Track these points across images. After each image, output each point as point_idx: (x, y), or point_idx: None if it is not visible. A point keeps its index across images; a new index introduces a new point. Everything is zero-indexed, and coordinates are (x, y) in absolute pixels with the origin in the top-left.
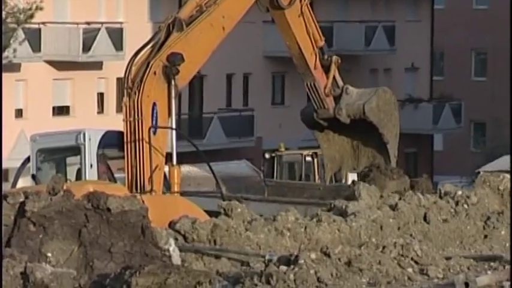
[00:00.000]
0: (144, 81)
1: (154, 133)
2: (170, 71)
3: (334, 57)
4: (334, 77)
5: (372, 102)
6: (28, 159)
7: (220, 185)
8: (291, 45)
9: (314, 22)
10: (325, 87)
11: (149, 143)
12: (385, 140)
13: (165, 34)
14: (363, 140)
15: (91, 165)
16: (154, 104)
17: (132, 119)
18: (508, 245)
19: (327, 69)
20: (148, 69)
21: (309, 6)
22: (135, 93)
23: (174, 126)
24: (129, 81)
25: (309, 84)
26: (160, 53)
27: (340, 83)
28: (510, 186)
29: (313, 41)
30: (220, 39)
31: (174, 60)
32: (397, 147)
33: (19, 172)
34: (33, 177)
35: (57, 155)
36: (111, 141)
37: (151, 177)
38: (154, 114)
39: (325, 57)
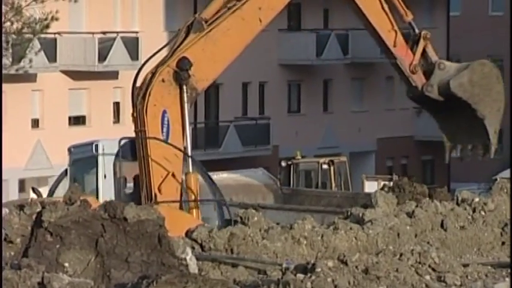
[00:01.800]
0: (149, 89)
1: (166, 141)
2: (179, 77)
3: (423, 32)
4: (425, 52)
5: (463, 77)
6: (66, 171)
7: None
8: (365, 25)
9: None
10: (410, 65)
11: (144, 153)
12: (480, 115)
13: (181, 38)
14: (462, 117)
15: (105, 176)
16: (164, 112)
17: (138, 129)
18: None
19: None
20: (154, 76)
21: None
22: (140, 103)
23: (187, 132)
24: (136, 90)
25: (393, 63)
26: (171, 58)
27: (434, 58)
28: (510, 187)
29: (391, 18)
30: (254, 34)
31: (182, 66)
32: (498, 123)
33: (57, 182)
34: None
35: (85, 166)
36: (127, 151)
37: (160, 186)
38: (165, 123)
39: (416, 31)
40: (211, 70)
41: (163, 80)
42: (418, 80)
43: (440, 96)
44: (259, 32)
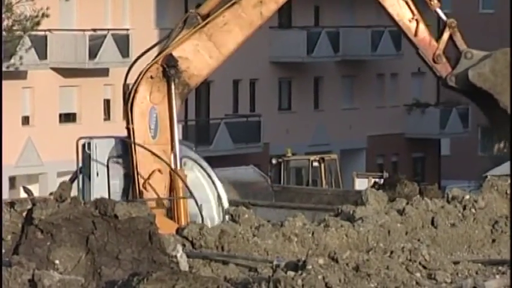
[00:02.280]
0: (137, 86)
1: (154, 137)
2: (167, 73)
3: (449, 20)
4: (452, 41)
5: (484, 67)
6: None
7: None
8: (387, 15)
9: None
10: (434, 54)
11: (133, 151)
12: (503, 106)
13: (176, 33)
14: (492, 109)
15: (97, 174)
16: (153, 108)
17: (127, 126)
18: None
19: (441, 34)
20: (142, 73)
21: None
22: (129, 100)
23: (175, 130)
24: (126, 87)
25: (417, 53)
26: (160, 55)
27: (462, 47)
28: (510, 188)
29: (412, 7)
30: (253, 28)
31: (168, 62)
32: None
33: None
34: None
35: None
36: (119, 149)
37: (145, 184)
38: (153, 120)
39: (444, 19)
40: (205, 65)
41: (151, 77)
42: (443, 69)
43: (465, 87)
44: (258, 27)
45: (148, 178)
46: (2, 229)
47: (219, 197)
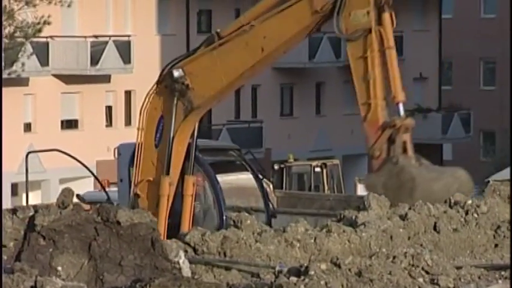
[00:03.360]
0: (153, 92)
1: (156, 146)
2: (171, 87)
3: (406, 121)
4: (392, 142)
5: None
6: None
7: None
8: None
9: (393, 74)
10: (370, 147)
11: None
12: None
13: (211, 37)
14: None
15: (121, 180)
16: (161, 118)
17: (137, 128)
18: None
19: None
20: (158, 81)
21: (392, 54)
22: (144, 102)
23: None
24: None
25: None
26: (174, 67)
27: (397, 150)
28: (510, 190)
29: (370, 91)
30: (255, 61)
31: (175, 76)
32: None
33: None
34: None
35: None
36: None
37: (136, 191)
38: (160, 129)
39: (400, 115)
40: (207, 88)
41: (166, 86)
42: (376, 165)
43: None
44: (265, 63)
45: (140, 185)
46: (1, 236)
47: (220, 203)
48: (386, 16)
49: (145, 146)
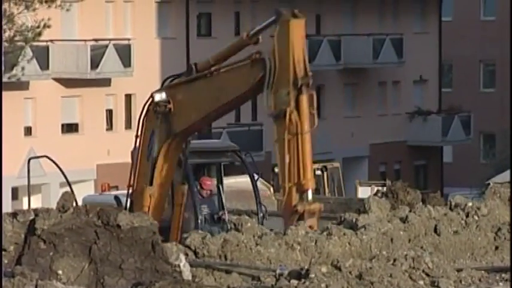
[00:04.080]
0: (149, 103)
1: (148, 159)
2: (155, 108)
3: (307, 207)
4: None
5: None
6: None
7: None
8: None
9: (304, 160)
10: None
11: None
12: None
13: (189, 68)
14: None
15: None
16: (153, 132)
17: (135, 135)
18: None
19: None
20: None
21: (304, 139)
22: (142, 111)
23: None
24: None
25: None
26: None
27: None
28: (510, 191)
29: (287, 175)
30: (214, 107)
31: (157, 98)
32: None
33: None
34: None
35: None
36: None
37: (126, 199)
38: (152, 142)
39: (308, 199)
40: (184, 118)
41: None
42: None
43: None
44: (224, 110)
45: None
46: (2, 239)
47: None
48: (303, 99)
49: (140, 156)
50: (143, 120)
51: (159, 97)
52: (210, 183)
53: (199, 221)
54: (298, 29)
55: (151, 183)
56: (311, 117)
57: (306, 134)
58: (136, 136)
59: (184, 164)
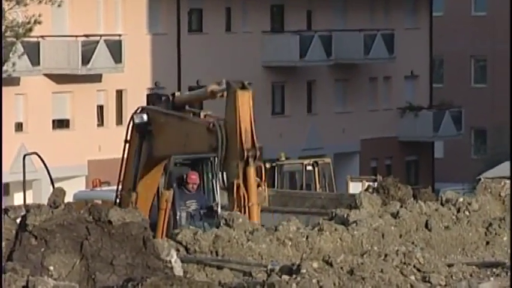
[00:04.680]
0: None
1: (133, 166)
2: (137, 128)
3: None
4: None
5: None
6: None
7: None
8: None
9: None
10: None
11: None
12: None
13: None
14: None
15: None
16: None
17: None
18: (510, 251)
19: None
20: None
21: (253, 211)
22: (131, 118)
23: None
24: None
25: None
26: (149, 106)
27: None
28: (511, 190)
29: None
30: (180, 151)
31: (139, 116)
32: None
33: None
34: None
35: None
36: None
37: (116, 194)
38: (137, 153)
39: None
40: (161, 146)
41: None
42: None
43: None
44: (189, 153)
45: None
46: (2, 234)
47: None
48: (250, 171)
49: (127, 161)
50: (131, 129)
51: (139, 119)
52: (195, 177)
53: (177, 217)
54: (245, 100)
55: (134, 189)
56: (259, 190)
57: (252, 206)
58: (125, 141)
59: (169, 172)
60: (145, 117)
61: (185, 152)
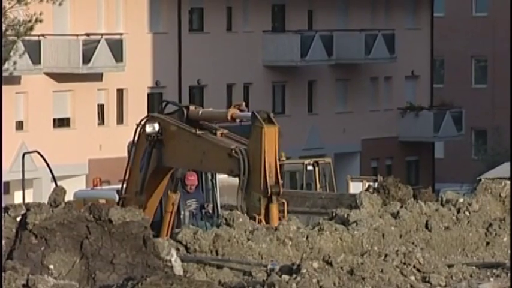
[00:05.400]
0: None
1: (141, 170)
2: (148, 137)
3: None
4: None
5: None
6: None
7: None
8: None
9: None
10: None
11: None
12: None
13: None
14: None
15: None
16: (146, 150)
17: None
18: (510, 251)
19: None
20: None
21: None
22: (140, 123)
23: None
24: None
25: None
26: (160, 115)
27: None
28: (510, 191)
29: None
30: (199, 167)
31: (152, 125)
32: None
33: None
34: None
35: None
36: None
37: (119, 194)
38: (145, 156)
39: None
40: (172, 158)
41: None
42: None
43: None
44: (202, 169)
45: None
46: (2, 233)
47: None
48: (273, 209)
49: (133, 165)
50: (139, 133)
51: (151, 129)
52: (194, 178)
53: (181, 217)
54: (271, 136)
55: (141, 193)
56: None
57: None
58: (133, 143)
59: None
60: (157, 126)
61: (201, 169)
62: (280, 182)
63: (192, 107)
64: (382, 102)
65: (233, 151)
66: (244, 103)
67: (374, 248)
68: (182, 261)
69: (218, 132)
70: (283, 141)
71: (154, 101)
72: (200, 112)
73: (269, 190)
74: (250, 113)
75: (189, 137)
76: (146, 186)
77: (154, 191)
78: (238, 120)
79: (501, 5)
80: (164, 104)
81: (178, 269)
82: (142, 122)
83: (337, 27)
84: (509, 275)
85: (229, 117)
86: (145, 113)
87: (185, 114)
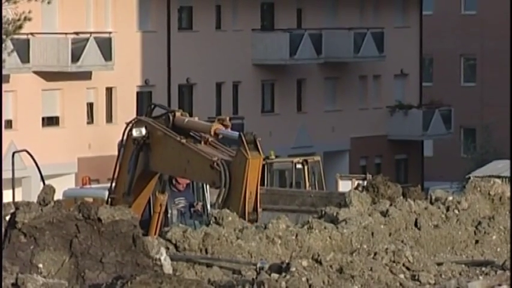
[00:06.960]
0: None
1: (128, 171)
2: (134, 140)
3: None
4: None
5: None
6: None
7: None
8: None
9: None
10: None
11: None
12: None
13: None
14: None
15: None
16: (133, 153)
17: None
18: (499, 249)
19: None
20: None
21: None
22: (129, 123)
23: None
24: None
25: None
26: (148, 118)
27: None
28: (510, 189)
29: None
30: (184, 175)
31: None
32: None
33: None
34: None
35: None
36: None
37: (108, 193)
38: (132, 160)
39: None
40: (158, 164)
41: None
42: None
43: None
44: (183, 173)
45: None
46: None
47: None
48: None
49: (121, 166)
50: (127, 135)
51: (138, 133)
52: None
53: (168, 215)
54: (255, 167)
55: (129, 194)
56: None
57: None
58: (121, 144)
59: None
60: (143, 131)
61: (186, 177)
62: (259, 210)
63: (178, 113)
64: (371, 100)
65: (215, 163)
66: (228, 118)
67: (363, 246)
68: (171, 259)
69: (203, 141)
70: (272, 139)
71: (144, 99)
72: (186, 120)
73: (246, 216)
74: (234, 133)
75: (174, 144)
76: (134, 187)
77: (141, 192)
78: (220, 136)
79: (490, 3)
80: (152, 106)
81: (167, 267)
82: (130, 126)
83: (326, 25)
84: (498, 272)
85: (212, 133)
86: (135, 112)
87: (171, 120)
